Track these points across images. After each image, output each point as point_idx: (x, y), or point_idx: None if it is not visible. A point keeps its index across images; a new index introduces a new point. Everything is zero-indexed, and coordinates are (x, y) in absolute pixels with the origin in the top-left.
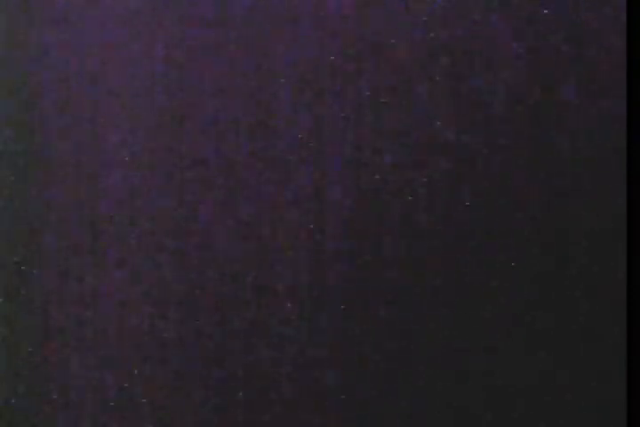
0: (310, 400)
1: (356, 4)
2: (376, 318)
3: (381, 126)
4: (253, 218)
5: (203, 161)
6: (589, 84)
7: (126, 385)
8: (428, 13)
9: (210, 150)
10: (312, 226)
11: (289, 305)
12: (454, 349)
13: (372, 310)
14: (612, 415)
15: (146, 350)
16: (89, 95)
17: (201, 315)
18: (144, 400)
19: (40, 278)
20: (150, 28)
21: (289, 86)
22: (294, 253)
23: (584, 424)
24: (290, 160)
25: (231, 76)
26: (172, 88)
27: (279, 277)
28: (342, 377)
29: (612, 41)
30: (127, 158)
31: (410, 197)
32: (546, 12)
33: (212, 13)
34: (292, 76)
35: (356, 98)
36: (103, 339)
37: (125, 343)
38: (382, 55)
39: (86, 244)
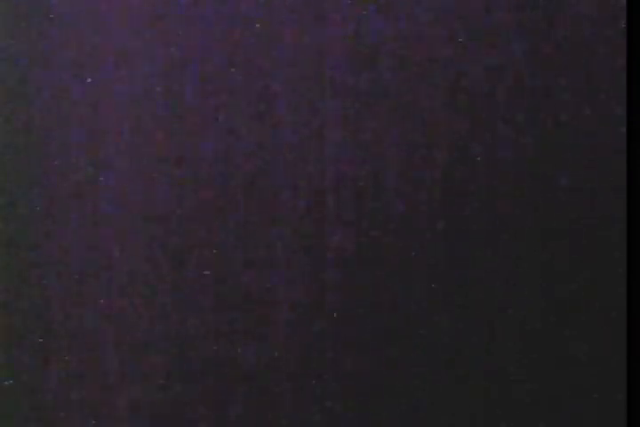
0: (310, 402)
1: (356, 4)
2: (376, 319)
3: (382, 126)
4: (253, 218)
5: (202, 160)
6: (589, 85)
7: (126, 386)
8: (428, 12)
9: (209, 150)
10: (312, 226)
11: (288, 306)
12: (453, 350)
13: (372, 311)
14: (612, 416)
15: (145, 351)
16: (89, 96)
17: (200, 315)
18: (143, 400)
19: (40, 278)
20: (150, 28)
21: (290, 86)
22: (294, 252)
23: (584, 424)
24: (290, 160)
25: (232, 76)
26: (172, 88)
27: (278, 278)
28: (342, 379)
29: (612, 40)
30: (127, 158)
31: (410, 198)
32: (546, 11)
33: (212, 13)
34: (293, 76)
35: (356, 98)
36: (102, 339)
37: (125, 344)
38: (383, 55)
39: (86, 243)
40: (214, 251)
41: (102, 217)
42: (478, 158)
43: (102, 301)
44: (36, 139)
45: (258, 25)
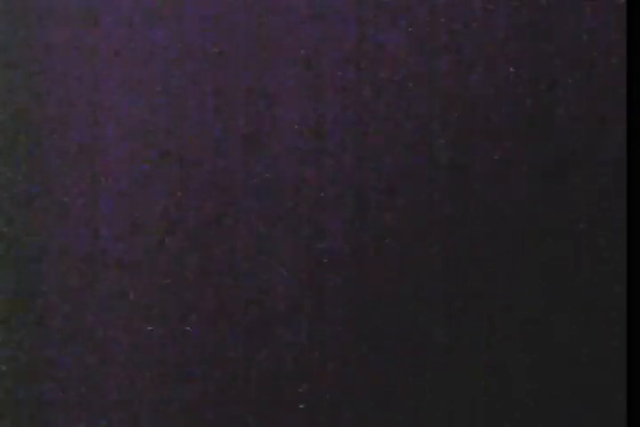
0: (310, 403)
1: (357, 4)
2: (374, 320)
3: (382, 125)
4: (253, 218)
5: (202, 161)
6: (589, 84)
7: (126, 386)
8: (428, 13)
9: (209, 150)
10: (312, 226)
11: (288, 306)
12: (453, 350)
13: (373, 312)
14: (612, 416)
15: (145, 351)
16: (89, 95)
17: (200, 314)
18: (143, 400)
19: (41, 277)
20: (150, 28)
21: (290, 86)
22: (294, 252)
23: (584, 424)
24: (290, 161)
25: (231, 76)
26: (172, 88)
27: (278, 278)
28: (342, 380)
29: (612, 41)
30: (127, 158)
31: (410, 197)
32: (546, 11)
33: (212, 12)
34: (292, 76)
35: (357, 97)
36: (102, 338)
37: (125, 344)
38: (382, 55)
39: (87, 243)
40: (214, 251)
41: (102, 216)
42: (478, 158)
43: (102, 300)
44: (35, 139)
45: (258, 23)
